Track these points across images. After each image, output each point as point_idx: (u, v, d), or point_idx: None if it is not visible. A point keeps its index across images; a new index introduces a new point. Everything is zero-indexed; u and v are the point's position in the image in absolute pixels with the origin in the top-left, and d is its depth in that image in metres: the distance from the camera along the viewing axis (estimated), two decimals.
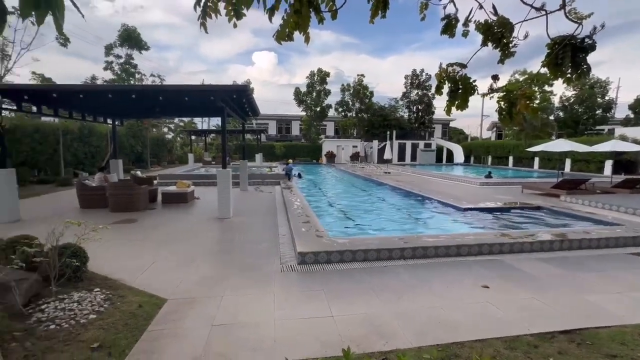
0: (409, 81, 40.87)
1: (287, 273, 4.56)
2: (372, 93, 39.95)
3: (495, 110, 4.14)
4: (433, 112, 41.14)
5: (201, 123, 47.32)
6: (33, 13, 1.34)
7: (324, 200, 12.45)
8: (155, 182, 11.45)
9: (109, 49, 23.41)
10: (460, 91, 3.60)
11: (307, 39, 2.80)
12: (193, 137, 30.41)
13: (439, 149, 37.76)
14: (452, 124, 51.98)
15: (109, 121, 11.99)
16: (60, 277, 3.62)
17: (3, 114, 7.54)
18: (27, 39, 17.12)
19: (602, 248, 5.79)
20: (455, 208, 9.53)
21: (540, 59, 3.21)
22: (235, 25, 2.54)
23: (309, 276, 4.49)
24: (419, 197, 11.85)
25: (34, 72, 19.73)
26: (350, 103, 40.51)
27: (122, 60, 23.84)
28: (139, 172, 11.89)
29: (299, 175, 19.29)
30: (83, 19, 1.72)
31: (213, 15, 2.42)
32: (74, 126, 17.37)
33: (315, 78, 38.04)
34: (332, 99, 40.15)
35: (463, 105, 3.62)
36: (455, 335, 3.03)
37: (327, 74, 38.07)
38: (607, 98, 33.28)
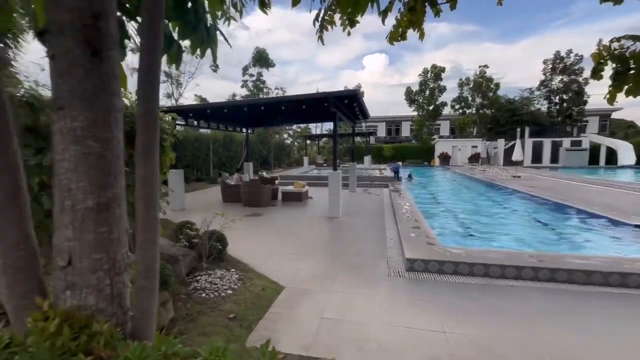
0: (550, 66, 33.83)
1: (394, 278, 4.46)
2: (497, 85, 34.89)
3: None
4: (585, 102, 32.81)
5: (315, 128, 51.23)
6: (198, 49, 1.74)
7: (435, 205, 11.58)
8: (276, 182, 13.02)
9: (245, 69, 28.00)
10: (632, 72, 2.78)
11: (421, 36, 2.69)
12: (308, 142, 33.15)
13: (594, 148, 29.76)
14: (615, 115, 40.20)
15: (244, 130, 14.34)
16: (209, 257, 4.54)
17: (176, 128, 9.99)
18: (191, 69, 22.20)
19: None
20: (618, 223, 7.35)
21: None
22: (349, 34, 2.65)
23: (417, 285, 4.26)
24: (561, 206, 9.65)
25: (195, 94, 25.42)
26: (470, 99, 36.45)
27: (254, 78, 28.11)
28: (264, 173, 13.75)
29: (410, 177, 18.53)
30: (230, 48, 2.13)
31: (329, 27, 2.59)
32: (220, 135, 21.47)
33: (429, 75, 35.85)
34: (447, 96, 37.01)
35: (637, 90, 2.78)
36: None
37: (442, 70, 35.33)
38: None
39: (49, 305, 1.12)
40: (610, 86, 2.94)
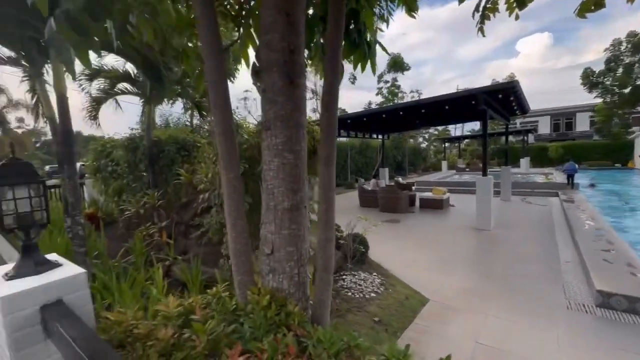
0: None
1: (577, 313, 3.50)
2: None
3: None
4: None
5: (454, 130, 46.69)
6: (360, 64, 1.89)
7: (634, 224, 8.45)
8: (413, 187, 12.58)
9: (380, 77, 28.49)
10: None
11: None
12: (446, 144, 30.51)
13: None
14: None
15: (379, 136, 14.57)
16: (353, 258, 4.80)
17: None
18: None
19: None
20: None
21: None
22: (517, 17, 2.30)
23: (616, 327, 3.20)
24: None
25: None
26: None
27: (389, 84, 28.23)
28: (400, 179, 13.53)
29: (592, 185, 14.29)
30: (388, 55, 2.20)
31: (492, 15, 2.31)
32: (357, 142, 22.59)
33: (624, 47, 26.78)
34: None
35: None
36: None
37: None
38: None
39: (260, 284, 1.45)
40: None
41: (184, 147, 6.20)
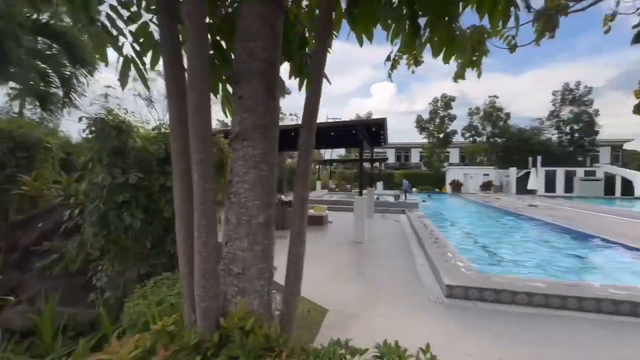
0: (560, 97, 34.42)
1: (436, 305, 4.46)
2: (507, 115, 35.46)
3: None
4: (596, 133, 33.00)
5: (324, 153, 51.96)
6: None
7: (456, 232, 11.53)
8: None
9: None
10: None
11: (479, 74, 2.94)
12: (318, 166, 33.55)
13: (609, 179, 29.46)
14: (627, 146, 40.06)
15: None
16: None
17: None
18: None
19: None
20: None
21: None
22: (413, 72, 2.91)
23: (460, 311, 4.26)
24: (585, 236, 9.54)
25: None
26: (480, 127, 36.92)
27: None
28: (282, 196, 13.97)
29: (424, 201, 18.80)
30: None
31: (398, 65, 2.86)
32: None
33: (439, 104, 36.68)
34: (458, 124, 37.57)
35: None
36: None
37: (452, 99, 36.20)
38: None
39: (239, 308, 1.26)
40: None
41: (21, 146, 4.63)
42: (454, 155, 45.08)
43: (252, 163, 1.35)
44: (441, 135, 36.62)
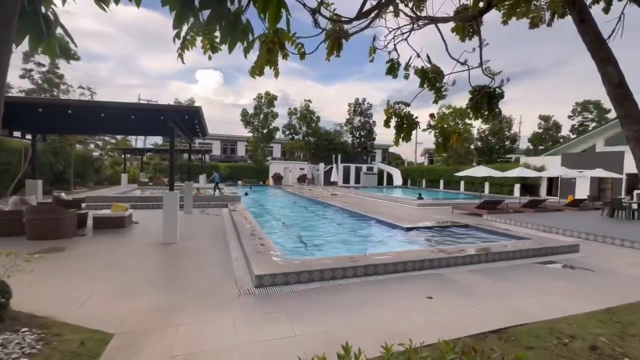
0: (352, 109, 43.64)
1: (245, 297, 4.52)
2: (318, 118, 41.63)
3: (433, 143, 4.87)
4: (374, 138, 44.25)
5: (135, 141, 43.83)
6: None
7: (274, 222, 12.42)
8: (83, 205, 10.30)
9: (28, 55, 20.85)
10: (405, 125, 4.18)
11: (276, 74, 3.07)
12: (127, 156, 27.89)
13: (380, 173, 40.39)
14: (391, 150, 56.25)
15: (27, 136, 10.59)
16: None
17: None
18: None
19: (517, 259, 6.84)
20: (398, 228, 10.33)
21: (461, 94, 4.03)
22: (210, 58, 2.70)
23: (267, 299, 4.50)
24: (366, 218, 12.55)
25: None
26: (298, 126, 41.58)
27: (45, 69, 21.37)
28: (63, 194, 10.53)
29: (246, 194, 19.22)
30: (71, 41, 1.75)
31: (190, 47, 2.55)
32: None
33: (263, 100, 38.43)
34: (280, 122, 40.77)
35: (407, 138, 4.19)
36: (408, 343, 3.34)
37: (275, 97, 38.76)
38: (512, 131, 39.64)
39: None
40: (395, 134, 4.29)
41: None
42: (276, 150, 48.77)
43: None
44: (265, 131, 38.62)
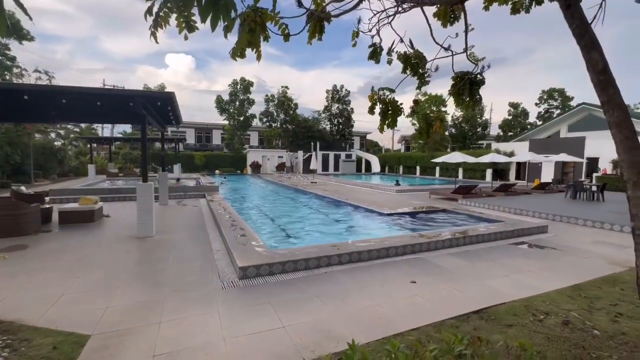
0: (330, 95, 43.27)
1: (228, 290, 4.41)
2: (296, 105, 40.95)
3: (415, 129, 4.85)
4: (352, 125, 44.28)
5: (102, 129, 41.32)
6: None
7: (254, 212, 12.22)
8: (46, 199, 9.62)
9: None
10: (390, 112, 4.13)
11: (259, 57, 2.90)
12: (94, 145, 26.24)
13: (359, 160, 40.69)
14: (368, 137, 56.67)
15: None
16: None
17: None
18: None
19: (492, 241, 7.15)
20: (379, 214, 10.48)
21: (439, 80, 4.02)
22: (186, 37, 2.48)
23: (252, 290, 4.42)
24: (347, 205, 12.63)
25: None
26: (275, 114, 40.76)
27: None
28: (23, 188, 9.74)
29: (222, 183, 18.82)
30: None
31: (164, 25, 2.33)
32: None
33: (239, 87, 37.21)
34: (256, 109, 39.80)
35: (393, 125, 4.15)
36: (395, 328, 3.40)
37: (251, 84, 37.65)
38: (484, 118, 41.04)
39: None
40: (380, 120, 4.24)
41: None
42: (253, 138, 47.76)
43: None
44: (241, 118, 37.57)
